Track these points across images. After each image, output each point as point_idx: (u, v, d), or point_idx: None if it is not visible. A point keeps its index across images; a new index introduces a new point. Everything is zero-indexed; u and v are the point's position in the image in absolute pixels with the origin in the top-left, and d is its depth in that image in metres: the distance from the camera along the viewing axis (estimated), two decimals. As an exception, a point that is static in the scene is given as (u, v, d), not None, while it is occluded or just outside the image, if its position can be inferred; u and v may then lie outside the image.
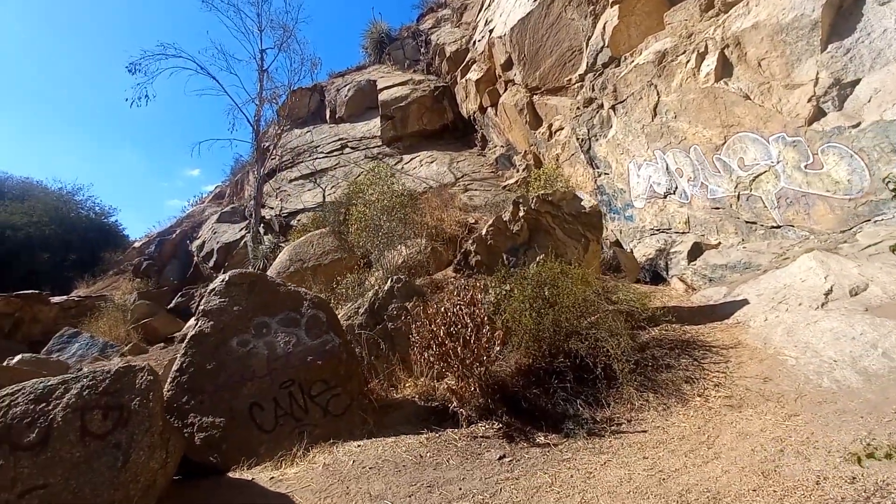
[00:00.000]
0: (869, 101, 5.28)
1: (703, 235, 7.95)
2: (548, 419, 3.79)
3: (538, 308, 4.42)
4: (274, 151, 15.31)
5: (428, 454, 3.51)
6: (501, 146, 14.95)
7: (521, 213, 5.76)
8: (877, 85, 5.22)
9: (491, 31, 14.51)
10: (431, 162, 15.53)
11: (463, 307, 4.03)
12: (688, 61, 7.37)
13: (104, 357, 9.39)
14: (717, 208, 7.56)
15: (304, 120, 19.03)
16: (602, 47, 10.24)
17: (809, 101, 5.82)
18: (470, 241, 5.90)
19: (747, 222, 7.11)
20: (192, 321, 4.49)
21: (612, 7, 10.12)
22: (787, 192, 6.36)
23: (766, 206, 6.72)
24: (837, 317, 4.17)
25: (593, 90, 10.53)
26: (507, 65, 13.61)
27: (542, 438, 3.56)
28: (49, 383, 2.84)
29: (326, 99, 19.93)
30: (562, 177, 9.97)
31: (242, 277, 4.45)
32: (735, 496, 2.33)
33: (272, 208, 15.16)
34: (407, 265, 7.90)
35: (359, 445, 3.73)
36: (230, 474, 3.51)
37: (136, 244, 21.16)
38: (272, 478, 3.36)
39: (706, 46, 7.12)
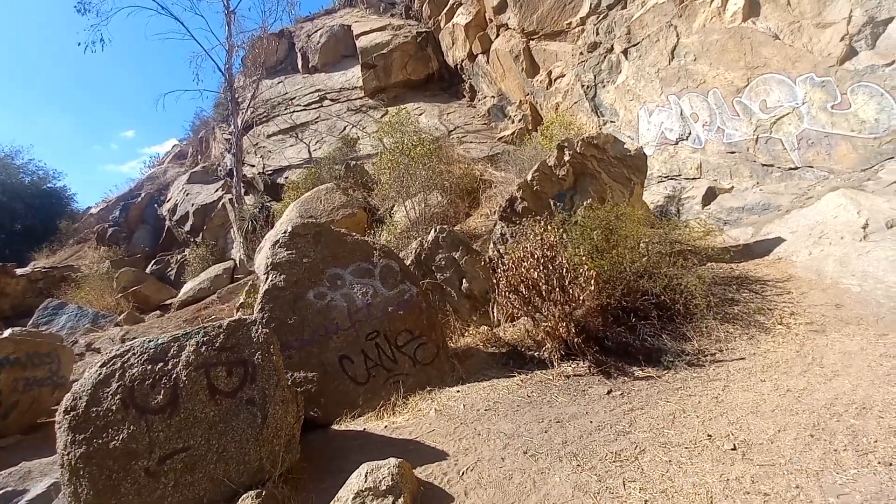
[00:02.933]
0: (904, 39, 5.42)
1: (715, 180, 8.17)
2: (637, 355, 3.88)
3: (604, 250, 4.43)
4: (249, 104, 14.16)
5: (534, 394, 3.52)
6: (492, 97, 14.52)
7: (566, 158, 5.65)
8: (913, 22, 5.34)
9: (480, -29, 13.71)
10: (420, 114, 14.91)
11: (544, 251, 3.96)
12: (712, 0, 7.26)
13: (98, 328, 8.79)
14: (733, 152, 7.74)
15: (274, 69, 17.65)
16: (608, -13, 9.89)
17: (842, 39, 5.91)
18: (515, 188, 5.76)
19: (764, 165, 7.33)
20: (261, 275, 4.19)
21: (617, -57, 9.71)
22: (809, 133, 6.56)
23: (785, 149, 6.93)
24: (888, 246, 4.43)
25: (598, 34, 10.27)
26: (501, 7, 12.99)
27: (640, 372, 3.64)
28: (159, 342, 2.57)
29: (297, 46, 18.47)
30: (573, 124, 9.83)
31: (306, 228, 4.15)
32: (883, 405, 2.48)
33: (252, 166, 14.23)
34: (425, 217, 7.71)
35: (458, 391, 3.70)
36: (335, 427, 3.40)
37: (94, 210, 19.48)
38: (385, 426, 3.28)
39: (732, -16, 7.02)
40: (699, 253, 4.98)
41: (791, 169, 6.97)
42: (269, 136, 15.23)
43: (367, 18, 18.12)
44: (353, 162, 11.04)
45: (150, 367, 2.46)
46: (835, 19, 5.97)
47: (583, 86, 10.45)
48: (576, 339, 3.76)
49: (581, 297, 3.64)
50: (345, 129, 14.73)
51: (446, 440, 2.94)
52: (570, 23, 11.17)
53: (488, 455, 2.70)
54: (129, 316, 9.14)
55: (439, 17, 16.06)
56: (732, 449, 2.40)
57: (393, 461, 2.34)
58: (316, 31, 18.14)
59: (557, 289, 3.67)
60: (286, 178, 13.11)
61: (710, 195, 8.07)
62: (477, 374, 4.06)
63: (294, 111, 15.93)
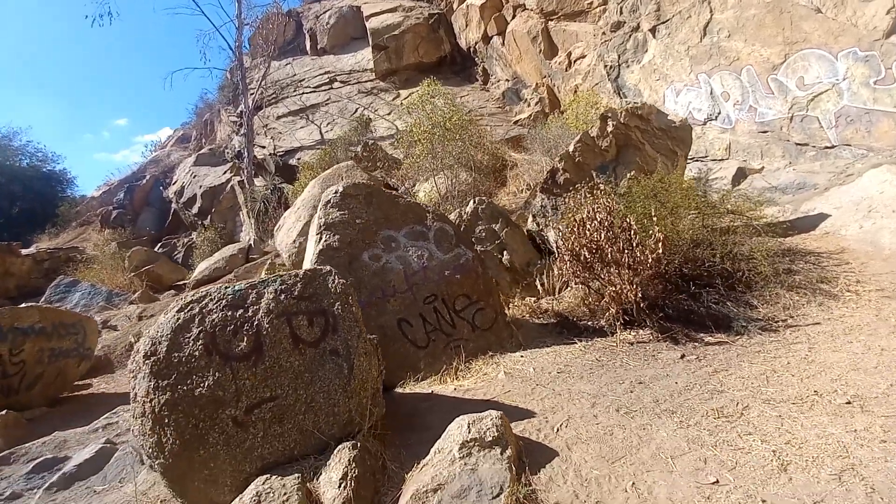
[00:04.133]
0: (957, 10, 5.29)
1: (745, 161, 8.05)
2: (701, 322, 3.76)
3: (661, 217, 4.30)
4: (260, 84, 13.86)
5: (603, 358, 3.40)
6: (507, 80, 14.30)
7: (609, 129, 5.50)
8: (968, -8, 5.21)
9: (497, -50, 13.42)
10: (433, 97, 14.67)
11: (607, 214, 3.82)
12: (751, -26, 7.10)
13: (112, 306, 8.58)
14: (765, 132, 7.62)
15: (283, 50, 17.28)
16: (633, -34, 9.69)
17: (888, 13, 5.78)
18: (558, 159, 5.60)
19: (798, 144, 7.23)
20: (312, 239, 4.01)
21: (644, -80, 9.49)
22: (848, 110, 6.45)
23: (821, 127, 6.83)
24: (949, 216, 4.33)
25: (621, 13, 10.09)
26: (519, -13, 12.75)
27: (710, 338, 3.53)
28: (237, 288, 2.41)
29: (305, 27, 18.12)
30: (599, 104, 9.66)
31: (357, 189, 3.98)
32: None
33: (263, 147, 13.96)
34: (452, 194, 7.55)
35: (521, 356, 3.57)
36: (398, 389, 3.26)
37: (95, 193, 19.12)
38: (454, 389, 3.15)
39: (772, -43, 6.86)
40: (750, 226, 4.86)
41: (827, 148, 6.87)
42: (278, 118, 14.95)
43: (377, 0, 17.78)
44: (371, 141, 10.83)
45: (229, 313, 2.30)
46: (882, -9, 5.83)
47: (606, 66, 10.27)
48: (641, 304, 3.64)
49: (650, 260, 3.51)
50: (356, 110, 14.48)
51: (527, 400, 2.81)
52: (592, 2, 10.98)
53: (578, 413, 2.57)
54: (143, 294, 8.93)
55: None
56: (847, 403, 2.29)
57: (494, 412, 2.20)
58: (325, 13, 17.80)
59: (626, 251, 3.53)
60: (298, 159, 12.87)
61: (739, 175, 7.95)
62: (534, 341, 3.93)
63: (303, 93, 15.64)
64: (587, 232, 3.73)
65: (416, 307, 3.65)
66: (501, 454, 2.03)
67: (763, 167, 7.80)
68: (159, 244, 14.91)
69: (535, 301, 4.94)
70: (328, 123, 14.18)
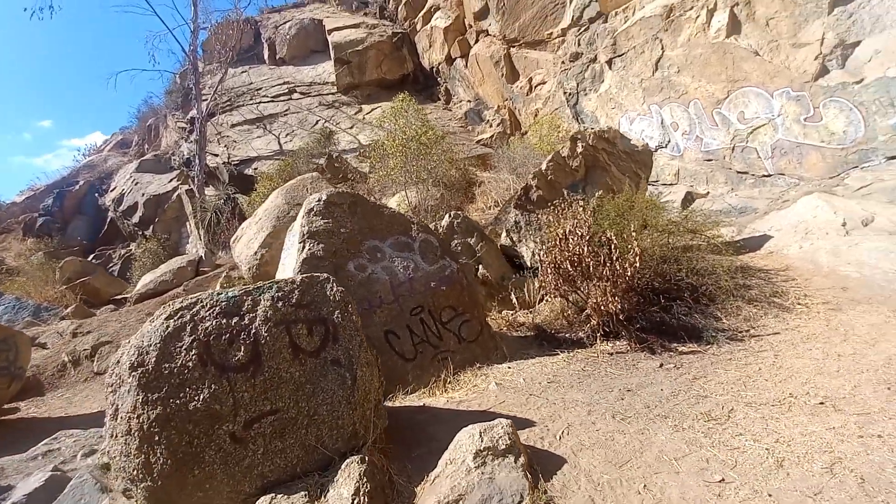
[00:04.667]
0: (869, 61, 6.10)
1: (692, 186, 8.71)
2: (672, 333, 3.96)
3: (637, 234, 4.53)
4: (216, 90, 13.31)
5: (587, 368, 3.48)
6: (469, 101, 14.67)
7: (579, 150, 5.77)
8: (877, 46, 6.04)
9: (461, -23, 13.90)
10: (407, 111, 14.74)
11: (587, 229, 3.98)
12: (697, 17, 7.82)
13: (40, 321, 7.74)
14: (710, 160, 8.31)
15: (239, 58, 16.78)
16: (590, 2, 10.38)
17: (816, 59, 6.55)
18: (531, 176, 5.78)
19: (738, 172, 7.93)
20: (292, 248, 3.83)
21: (600, -39, 10.23)
22: (782, 143, 7.18)
23: (759, 157, 7.54)
24: (874, 238, 4.89)
25: (579, 45, 10.73)
26: (482, 13, 13.22)
27: (683, 348, 3.72)
28: (231, 295, 2.26)
29: (263, 36, 17.72)
30: (560, 127, 10.11)
31: (341, 197, 3.89)
32: (936, 362, 2.68)
33: (216, 155, 13.33)
34: (421, 208, 7.57)
35: (509, 367, 3.58)
36: (388, 403, 3.15)
37: (17, 199, 17.29)
38: (447, 401, 3.10)
39: (715, 4, 7.61)
40: (707, 244, 5.23)
41: (764, 176, 7.58)
42: (233, 126, 14.38)
43: (340, 15, 17.79)
44: (336, 153, 10.65)
45: (224, 321, 2.15)
46: (809, 40, 6.62)
47: (565, 93, 10.83)
48: (620, 316, 3.79)
49: (629, 273, 3.67)
50: (317, 122, 14.24)
51: (523, 410, 2.81)
52: (552, 33, 11.58)
53: (577, 420, 2.60)
54: (78, 309, 8.10)
55: (415, 20, 16.08)
56: (821, 403, 2.49)
57: (504, 421, 2.19)
58: (285, 23, 17.53)
59: (607, 264, 3.68)
60: (255, 168, 12.40)
61: (688, 199, 8.57)
62: (517, 353, 3.96)
63: (260, 102, 15.19)
64: (570, 245, 3.85)
65: (403, 319, 3.58)
66: (515, 462, 2.01)
67: (708, 192, 8.46)
68: (92, 255, 13.70)
69: (512, 314, 5.01)
70: (287, 134, 13.83)
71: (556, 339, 4.33)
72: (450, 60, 14.74)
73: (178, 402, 1.90)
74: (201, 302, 2.19)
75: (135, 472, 1.85)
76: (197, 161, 12.18)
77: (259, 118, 14.40)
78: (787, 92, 6.92)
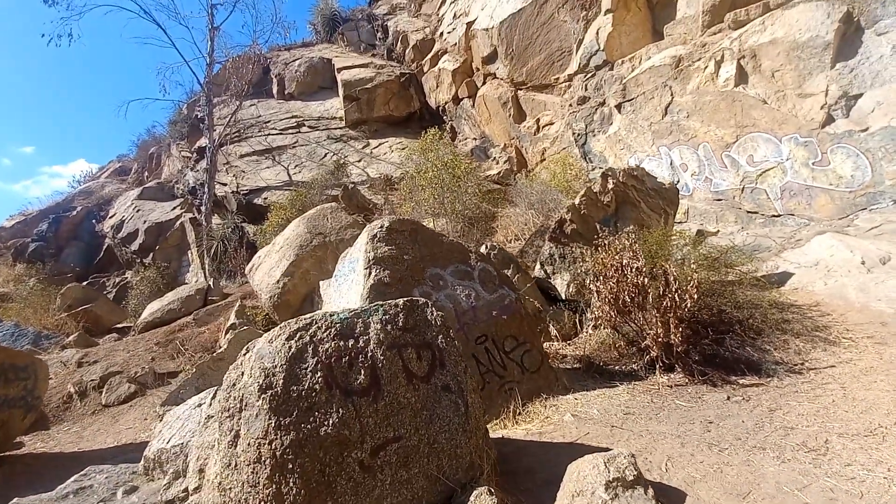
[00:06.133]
0: (873, 111, 6.55)
1: (702, 224, 8.99)
2: (726, 366, 3.99)
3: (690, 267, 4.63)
4: (229, 121, 13.46)
5: (655, 401, 3.46)
6: (475, 138, 15.10)
7: (610, 186, 5.96)
8: (879, 98, 6.50)
9: (470, 24, 14.62)
10: (402, 149, 15.05)
11: (639, 264, 4.05)
12: (706, 67, 8.33)
13: (40, 349, 7.38)
14: (719, 200, 8.63)
15: (246, 92, 17.08)
16: (597, 50, 10.99)
17: (822, 108, 7.00)
18: (565, 210, 5.91)
19: (748, 212, 8.23)
20: (352, 274, 3.78)
21: (605, 15, 10.93)
22: (791, 185, 7.53)
23: (769, 198, 7.87)
24: (899, 276, 5.08)
25: (586, 89, 11.27)
26: (490, 58, 13.84)
27: (744, 381, 3.74)
28: (343, 316, 2.21)
29: (273, 72, 18.14)
30: (572, 165, 10.44)
31: (402, 224, 3.91)
32: None
33: (224, 184, 13.30)
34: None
35: (575, 399, 3.53)
36: (464, 436, 3.06)
37: (6, 224, 16.80)
38: (526, 432, 3.02)
39: (723, 56, 8.13)
40: (742, 280, 5.36)
41: (774, 216, 7.88)
42: (241, 157, 14.45)
43: (348, 55, 18.40)
44: (351, 185, 10.74)
45: (341, 343, 2.09)
46: (814, 91, 7.09)
47: (574, 133, 11.25)
48: (679, 349, 3.81)
49: (688, 304, 3.73)
50: (326, 155, 14.43)
51: (612, 442, 2.76)
52: (558, 78, 12.17)
53: (674, 453, 2.56)
54: (80, 337, 7.75)
55: (423, 62, 16.73)
56: (916, 434, 2.51)
57: (625, 451, 2.14)
58: (294, 61, 18.02)
59: (666, 296, 3.73)
60: (265, 198, 12.38)
61: (699, 237, 8.83)
62: (575, 384, 3.92)
63: (269, 134, 15.37)
64: (627, 277, 3.91)
65: (469, 347, 3.53)
66: (646, 493, 1.96)
67: (718, 230, 8.73)
68: (85, 283, 13.25)
69: (554, 346, 4.98)
70: (296, 165, 13.94)
71: (608, 371, 4.30)
72: (457, 100, 15.26)
73: (309, 427, 1.82)
74: (316, 323, 2.14)
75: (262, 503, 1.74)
76: (206, 190, 12.10)
77: (268, 150, 14.52)
78: (795, 138, 7.33)
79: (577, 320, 5.37)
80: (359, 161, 14.22)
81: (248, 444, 1.79)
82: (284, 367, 1.93)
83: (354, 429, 1.89)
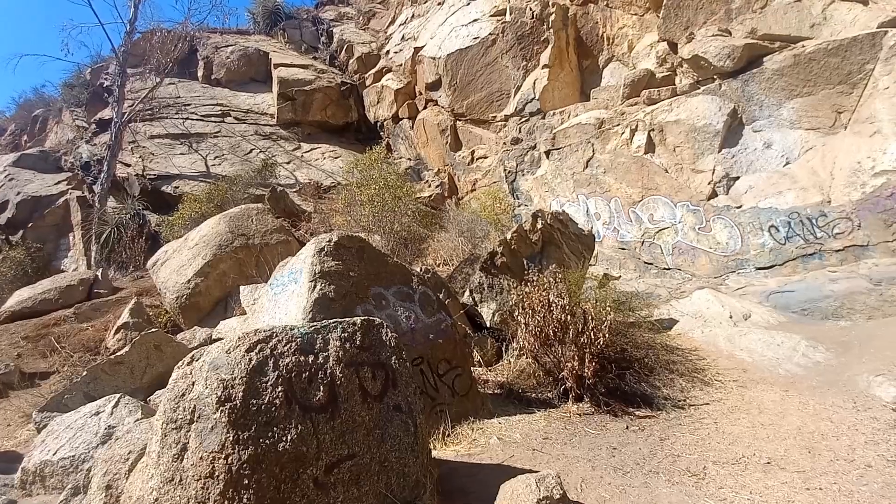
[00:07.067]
0: (746, 192, 7.96)
1: (607, 269, 10.03)
2: (627, 398, 4.53)
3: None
4: (146, 97, 12.21)
5: (568, 427, 3.82)
6: (409, 159, 15.34)
7: (539, 226, 6.48)
8: (751, 183, 7.93)
9: (417, 49, 15.04)
10: (336, 157, 14.83)
11: (563, 302, 4.49)
12: (622, 132, 9.50)
13: None
14: (624, 249, 9.74)
15: (169, 70, 15.69)
16: (532, 98, 11.97)
17: (709, 183, 8.34)
18: (497, 243, 6.29)
19: (645, 262, 9.40)
20: (294, 286, 3.67)
21: (542, 69, 12.01)
22: (681, 244, 8.78)
23: (662, 253, 9.08)
24: (755, 331, 6.17)
25: (520, 132, 12.16)
26: (434, 85, 14.31)
27: (640, 412, 4.27)
28: (303, 331, 2.21)
29: (200, 54, 16.87)
30: (501, 199, 11.08)
31: (350, 241, 3.93)
32: (831, 432, 3.52)
33: (128, 165, 11.94)
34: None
35: (499, 423, 3.77)
36: (395, 456, 3.11)
37: None
38: (455, 453, 3.16)
39: (637, 125, 9.35)
40: (636, 323, 6.11)
41: (665, 269, 9.09)
42: (151, 137, 13.12)
43: (287, 53, 17.80)
44: (280, 188, 10.28)
45: (301, 358, 2.09)
46: (704, 169, 8.43)
47: (505, 170, 11.99)
48: (589, 381, 4.25)
49: (601, 342, 4.20)
50: (251, 151, 13.67)
51: (533, 464, 3.01)
52: (496, 116, 12.97)
53: (587, 475, 2.88)
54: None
55: (366, 76, 16.75)
56: (767, 463, 3.10)
57: (552, 472, 2.38)
58: (227, 46, 16.98)
59: (584, 332, 4.18)
60: (175, 187, 11.33)
61: (605, 280, 9.83)
62: (498, 409, 4.17)
63: (188, 118, 14.18)
64: (552, 313, 4.30)
65: (405, 368, 3.61)
66: (570, 511, 2.21)
67: (620, 276, 9.80)
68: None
69: (474, 371, 5.23)
70: (216, 157, 13.00)
71: (526, 398, 4.63)
72: (396, 119, 15.45)
73: (267, 442, 1.79)
74: (277, 336, 2.11)
75: (210, 521, 1.67)
76: (106, 167, 10.76)
77: (185, 134, 13.37)
78: (687, 205, 8.60)
79: (499, 348, 5.71)
80: (288, 163, 13.69)
81: (200, 458, 1.72)
82: (244, 379, 1.88)
83: (311, 445, 1.90)
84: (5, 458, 4.14)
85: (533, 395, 4.70)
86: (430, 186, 14.27)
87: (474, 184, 13.18)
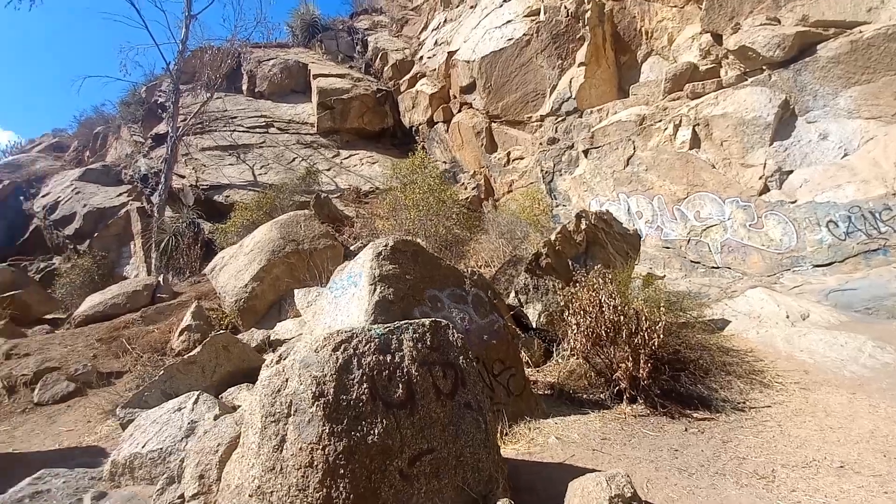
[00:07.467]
0: (800, 187, 7.63)
1: (650, 268, 9.82)
2: (683, 400, 4.46)
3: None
4: (198, 112, 12.92)
5: (626, 428, 3.81)
6: (445, 162, 15.51)
7: (583, 226, 6.46)
8: (806, 176, 7.59)
9: (451, 53, 15.19)
10: (373, 163, 15.18)
11: (615, 303, 4.47)
12: (665, 128, 9.29)
13: (-43, 337, 6.59)
14: (668, 248, 9.51)
15: (218, 85, 16.50)
16: (569, 97, 11.87)
17: (760, 178, 8.04)
18: (541, 245, 6.31)
19: (692, 261, 9.14)
20: (353, 289, 3.85)
21: (578, 67, 11.87)
22: (730, 242, 8.49)
23: (710, 251, 8.81)
24: (815, 331, 5.92)
25: (556, 132, 12.07)
26: (468, 88, 14.42)
27: (698, 415, 4.20)
28: (380, 332, 2.35)
29: (244, 68, 17.66)
30: (541, 203, 11.06)
31: (406, 245, 4.07)
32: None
33: (182, 177, 12.66)
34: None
35: (555, 423, 3.81)
36: (458, 453, 3.21)
37: None
38: (516, 452, 3.23)
39: (681, 121, 9.12)
40: (688, 323, 5.97)
41: (713, 268, 8.82)
42: (203, 150, 13.85)
43: (325, 63, 18.37)
44: (324, 194, 10.66)
45: (380, 357, 2.23)
46: (754, 163, 8.13)
47: (542, 170, 11.94)
48: (644, 382, 4.22)
49: (655, 343, 4.17)
50: (294, 159, 14.19)
51: (596, 464, 3.04)
52: (531, 116, 12.93)
53: (651, 475, 2.89)
54: (6, 327, 7.02)
55: (400, 81, 17.08)
56: (841, 467, 3.00)
57: (621, 471, 2.42)
58: (268, 60, 17.70)
59: (638, 333, 4.15)
60: (226, 196, 11.93)
61: (647, 280, 9.63)
62: (552, 409, 4.20)
63: (235, 130, 14.88)
64: (604, 314, 4.30)
65: (462, 368, 3.72)
66: (641, 509, 2.24)
67: (665, 276, 9.58)
68: (6, 264, 11.95)
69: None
70: (262, 166, 13.58)
71: (577, 399, 4.63)
72: (431, 123, 15.66)
73: (358, 435, 1.93)
74: (357, 336, 2.26)
75: (311, 506, 1.82)
76: (163, 179, 11.46)
77: (233, 146, 14.05)
78: (736, 201, 8.32)
79: (546, 349, 5.72)
80: (328, 170, 14.13)
81: (300, 449, 1.87)
82: (334, 376, 2.03)
83: (396, 439, 2.03)
84: (89, 452, 4.52)
85: (584, 395, 4.70)
86: (465, 189, 14.36)
87: (511, 185, 13.18)
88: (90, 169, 14.25)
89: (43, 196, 13.59)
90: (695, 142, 8.89)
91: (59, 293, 10.81)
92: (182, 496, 2.64)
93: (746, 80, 8.51)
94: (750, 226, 8.17)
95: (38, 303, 8.61)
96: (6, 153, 17.80)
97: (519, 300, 6.18)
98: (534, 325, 6.04)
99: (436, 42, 17.21)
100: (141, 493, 3.25)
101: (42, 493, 3.28)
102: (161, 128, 14.16)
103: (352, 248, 9.11)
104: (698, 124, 8.84)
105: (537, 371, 5.42)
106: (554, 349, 5.58)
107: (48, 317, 8.58)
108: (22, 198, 13.84)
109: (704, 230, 8.82)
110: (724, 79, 8.91)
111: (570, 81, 11.93)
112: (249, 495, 1.95)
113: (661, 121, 9.45)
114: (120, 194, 13.19)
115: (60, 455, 4.46)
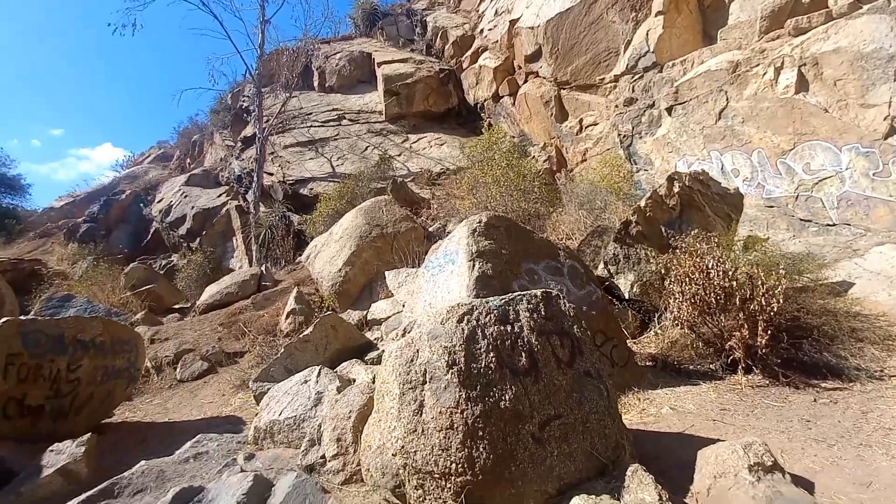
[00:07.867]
0: (942, 124, 6.51)
1: (751, 230, 9.00)
2: (806, 369, 4.11)
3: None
4: (279, 113, 13.81)
5: (745, 399, 3.62)
6: (512, 136, 15.21)
7: (675, 189, 6.07)
8: (949, 112, 6.46)
9: (513, 22, 14.69)
10: (441, 144, 15.28)
11: (725, 268, 4.19)
12: (764, 73, 8.33)
13: (114, 326, 7.75)
14: (772, 206, 8.63)
15: (295, 84, 17.44)
16: (646, 52, 11.01)
17: (885, 119, 6.98)
18: (630, 212, 6.06)
19: (801, 220, 8.23)
20: (451, 266, 4.00)
21: (655, 17, 10.93)
22: (849, 195, 7.52)
23: (824, 206, 7.87)
24: (971, 290, 5.11)
25: (633, 91, 11.30)
26: (533, 57, 13.91)
27: (827, 384, 3.87)
28: (497, 303, 2.43)
29: (314, 65, 18.45)
30: (621, 170, 10.53)
31: (498, 220, 4.12)
32: None
33: (271, 174, 13.67)
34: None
35: (667, 393, 3.71)
36: (569, 422, 3.26)
37: (56, 204, 17.51)
38: (629, 421, 3.21)
39: (783, 62, 8.12)
40: (806, 287, 5.44)
41: (829, 225, 7.88)
42: (285, 147, 14.80)
43: (387, 49, 18.63)
44: (399, 179, 11.00)
45: (501, 327, 2.31)
46: (877, 102, 7.06)
47: (619, 135, 11.29)
48: (763, 350, 3.94)
49: (774, 308, 3.86)
50: (366, 148, 14.71)
51: (719, 434, 2.94)
52: (604, 78, 12.20)
53: (785, 446, 2.73)
54: (146, 316, 8.17)
55: (462, 59, 16.88)
56: None
57: (758, 440, 2.32)
58: (335, 54, 18.31)
59: (754, 299, 3.88)
60: (310, 189, 12.71)
61: (749, 243, 8.85)
62: (659, 381, 4.09)
63: (311, 126, 15.69)
64: (712, 280, 4.05)
65: (564, 340, 3.73)
66: (784, 477, 2.14)
67: (768, 237, 8.73)
68: (133, 263, 13.79)
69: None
70: (338, 158, 14.25)
71: (684, 370, 4.45)
72: (496, 98, 15.37)
73: (491, 400, 2.04)
74: (477, 308, 2.36)
75: (454, 466, 1.97)
76: (255, 178, 12.47)
77: (311, 141, 14.86)
78: (856, 147, 7.32)
79: (642, 319, 5.53)
80: (399, 155, 14.47)
81: (439, 413, 2.02)
82: (463, 346, 2.15)
83: (525, 404, 2.11)
84: (230, 421, 5.17)
85: (690, 366, 4.49)
86: (537, 162, 14.00)
87: (584, 153, 12.63)
88: (193, 174, 15.88)
89: (158, 202, 15.43)
90: (801, 85, 7.90)
91: (181, 286, 12.28)
92: (324, 456, 2.96)
93: (861, 7, 7.37)
94: (874, 174, 7.17)
95: (167, 294, 9.90)
96: (123, 167, 20.34)
97: (609, 271, 5.99)
98: (626, 296, 5.85)
99: (496, 12, 16.74)
100: (282, 454, 3.68)
101: (202, 454, 3.82)
102: (248, 130, 15.32)
103: (430, 229, 9.35)
104: (804, 64, 7.83)
105: (635, 343, 5.26)
106: (651, 320, 5.37)
107: (176, 306, 9.83)
108: (141, 204, 15.82)
109: (816, 184, 7.89)
110: (833, 9, 7.78)
111: (647, 34, 11.06)
112: (393, 454, 2.15)
113: (758, 65, 8.49)
114: (220, 195, 14.57)
115: (206, 423, 5.16)
